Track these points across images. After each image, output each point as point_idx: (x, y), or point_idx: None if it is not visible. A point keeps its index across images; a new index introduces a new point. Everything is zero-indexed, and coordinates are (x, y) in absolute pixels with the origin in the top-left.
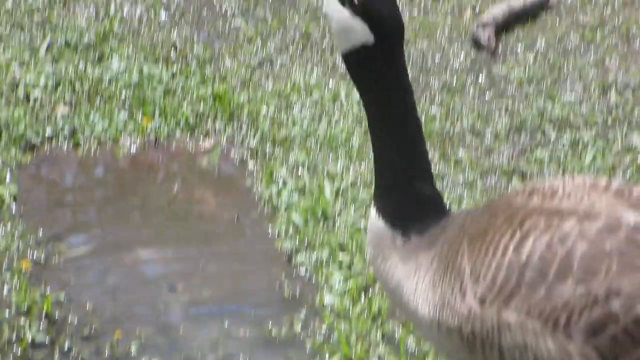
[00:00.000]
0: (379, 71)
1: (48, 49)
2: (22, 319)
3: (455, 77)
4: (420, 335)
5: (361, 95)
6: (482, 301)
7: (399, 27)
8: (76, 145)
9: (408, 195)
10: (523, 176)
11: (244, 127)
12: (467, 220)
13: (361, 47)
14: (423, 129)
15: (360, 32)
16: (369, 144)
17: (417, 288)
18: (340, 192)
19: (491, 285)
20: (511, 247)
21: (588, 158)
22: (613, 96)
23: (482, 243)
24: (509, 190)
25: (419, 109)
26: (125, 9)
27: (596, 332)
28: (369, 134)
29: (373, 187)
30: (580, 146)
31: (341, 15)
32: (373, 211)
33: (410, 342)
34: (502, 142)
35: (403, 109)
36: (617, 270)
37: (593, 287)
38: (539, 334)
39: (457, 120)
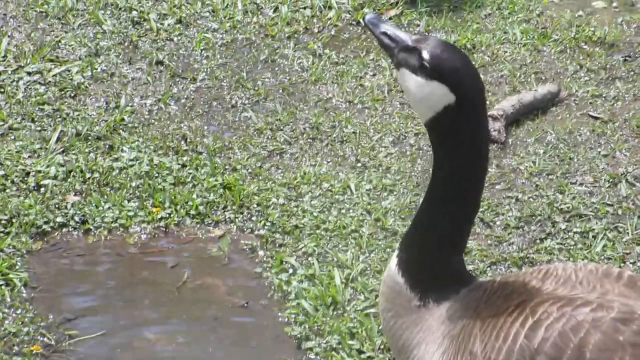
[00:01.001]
0: (462, 132)
1: (58, 139)
2: None
3: None
4: None
5: (437, 158)
6: None
7: (476, 79)
8: (86, 232)
9: (437, 264)
10: (533, 266)
11: (254, 216)
12: (481, 302)
13: (443, 110)
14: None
15: (440, 94)
16: (379, 233)
17: (424, 355)
18: (350, 280)
19: None
20: (523, 333)
21: (598, 248)
22: (623, 188)
23: (494, 328)
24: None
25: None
26: (136, 101)
27: None
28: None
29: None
30: (590, 236)
31: (417, 83)
32: (393, 263)
33: None
34: (512, 232)
35: (475, 174)
36: None
37: None
38: None
39: None
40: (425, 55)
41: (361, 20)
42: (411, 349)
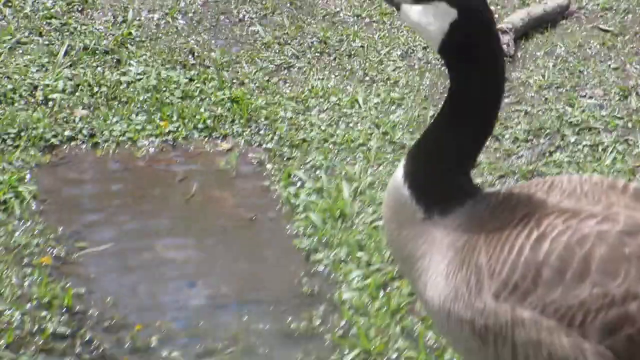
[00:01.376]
0: (474, 49)
1: (66, 53)
2: (44, 311)
3: None
4: (426, 312)
5: (453, 83)
6: (497, 296)
7: None
8: (95, 146)
9: (445, 178)
10: None
11: (262, 130)
12: (486, 214)
13: (450, 30)
14: None
15: (441, 13)
16: (387, 146)
17: (430, 271)
18: (358, 193)
19: (507, 281)
20: (528, 246)
21: (608, 161)
22: (633, 100)
23: (499, 240)
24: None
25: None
26: (143, 14)
27: (612, 332)
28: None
29: (408, 149)
30: (599, 149)
31: (418, 12)
32: (399, 174)
33: (430, 336)
34: (521, 145)
35: (492, 96)
36: (636, 275)
37: (610, 289)
38: (553, 332)
39: None
40: None
41: None
42: (416, 259)
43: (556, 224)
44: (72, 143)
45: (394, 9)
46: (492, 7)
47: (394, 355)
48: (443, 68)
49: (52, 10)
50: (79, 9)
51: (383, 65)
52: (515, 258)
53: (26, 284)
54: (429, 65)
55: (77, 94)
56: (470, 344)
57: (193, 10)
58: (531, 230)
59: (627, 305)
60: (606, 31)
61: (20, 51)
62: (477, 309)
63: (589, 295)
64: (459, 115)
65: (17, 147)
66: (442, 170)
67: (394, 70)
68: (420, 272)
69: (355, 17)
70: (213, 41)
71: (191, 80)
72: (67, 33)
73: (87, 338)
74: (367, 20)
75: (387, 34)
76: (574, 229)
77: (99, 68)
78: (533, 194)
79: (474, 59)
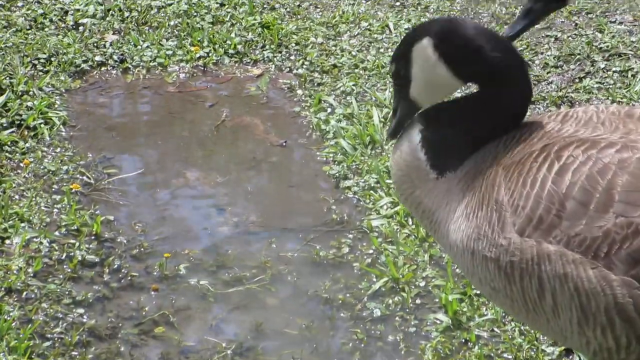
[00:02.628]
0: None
1: None
2: (72, 239)
3: (504, 8)
4: (452, 259)
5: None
6: (521, 232)
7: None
8: (125, 71)
9: (458, 143)
10: (572, 105)
11: (293, 55)
12: (500, 149)
13: (441, 56)
14: None
15: (423, 55)
16: None
17: (449, 217)
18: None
19: (531, 216)
20: (550, 179)
21: (637, 87)
22: None
23: (520, 175)
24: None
25: None
26: None
27: (637, 262)
28: None
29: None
30: (629, 75)
31: (419, 78)
32: (415, 137)
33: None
34: (550, 71)
35: (517, 98)
36: None
37: (634, 218)
38: (579, 264)
39: None
40: None
41: None
42: (433, 212)
43: (577, 155)
44: (103, 68)
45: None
46: None
47: (422, 284)
48: None
49: None
50: None
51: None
52: (538, 192)
53: (55, 211)
54: None
55: (107, 18)
56: (496, 283)
57: None
58: (552, 162)
59: None
60: None
61: None
62: (502, 246)
63: (612, 225)
64: (490, 108)
65: (47, 72)
66: (465, 140)
67: None
68: (440, 222)
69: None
70: None
71: (222, 5)
72: None
73: (115, 266)
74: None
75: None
76: (595, 159)
77: None
78: (548, 125)
79: (485, 65)
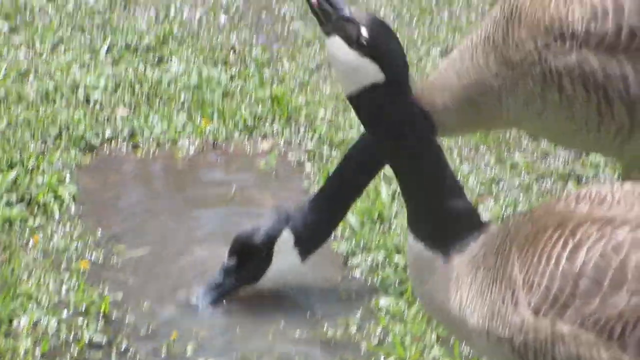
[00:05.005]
0: (390, 108)
1: (108, 51)
2: (80, 319)
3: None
4: (470, 346)
5: (378, 143)
6: (536, 311)
7: (405, 62)
8: (135, 146)
9: (442, 216)
10: (579, 180)
11: (302, 129)
12: (511, 230)
13: (371, 87)
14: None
15: (371, 72)
16: None
17: (463, 301)
18: (397, 195)
19: (546, 294)
20: (564, 256)
21: None
22: None
23: (534, 252)
24: (564, 194)
25: None
26: (185, 12)
27: None
28: None
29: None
30: None
31: (350, 57)
32: (410, 237)
33: (465, 344)
34: (558, 145)
35: (416, 141)
36: None
37: None
38: (592, 346)
39: None
40: (364, 32)
41: None
42: (446, 299)
43: (591, 232)
44: (113, 143)
45: (324, 34)
46: None
47: None
48: None
49: (95, 7)
50: (122, 5)
51: (422, 63)
52: (553, 269)
53: (63, 290)
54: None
55: (118, 92)
56: None
57: (234, 7)
58: (566, 240)
59: None
60: None
61: (63, 49)
62: (515, 326)
63: (626, 304)
64: (399, 158)
65: (57, 147)
66: (435, 204)
67: (434, 68)
68: (455, 309)
69: (396, 15)
70: (254, 38)
71: (232, 78)
72: (109, 30)
73: (123, 347)
74: (408, 18)
75: (426, 31)
76: (609, 237)
77: (140, 66)
78: (562, 205)
79: (385, 117)
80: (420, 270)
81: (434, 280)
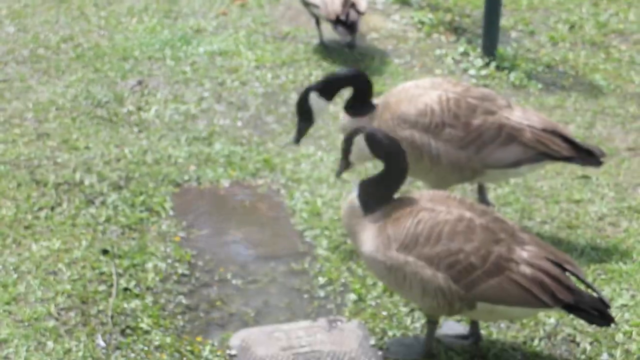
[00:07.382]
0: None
1: None
2: (178, 264)
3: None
4: (365, 263)
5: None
6: (397, 250)
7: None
8: (199, 184)
9: (377, 199)
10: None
11: None
12: (391, 209)
13: (369, 148)
14: None
15: (362, 146)
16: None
17: (367, 238)
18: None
19: (403, 242)
20: (413, 225)
21: None
22: None
23: (398, 221)
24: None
25: None
26: None
27: (450, 267)
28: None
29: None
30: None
31: (358, 145)
32: (354, 196)
33: (366, 269)
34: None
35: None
36: (462, 240)
37: (450, 247)
38: (424, 268)
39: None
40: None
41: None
42: (359, 235)
43: (425, 214)
44: (188, 183)
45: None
46: None
47: None
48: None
49: None
50: None
51: None
52: (407, 230)
53: (168, 249)
54: None
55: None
56: (387, 277)
57: None
58: (414, 217)
59: (457, 255)
60: None
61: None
62: (388, 256)
63: (441, 250)
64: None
65: (163, 185)
66: (377, 195)
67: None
68: (362, 241)
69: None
70: None
71: None
72: None
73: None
74: None
75: None
76: (435, 216)
77: None
78: (415, 200)
79: (385, 159)
80: (352, 216)
81: (356, 224)
